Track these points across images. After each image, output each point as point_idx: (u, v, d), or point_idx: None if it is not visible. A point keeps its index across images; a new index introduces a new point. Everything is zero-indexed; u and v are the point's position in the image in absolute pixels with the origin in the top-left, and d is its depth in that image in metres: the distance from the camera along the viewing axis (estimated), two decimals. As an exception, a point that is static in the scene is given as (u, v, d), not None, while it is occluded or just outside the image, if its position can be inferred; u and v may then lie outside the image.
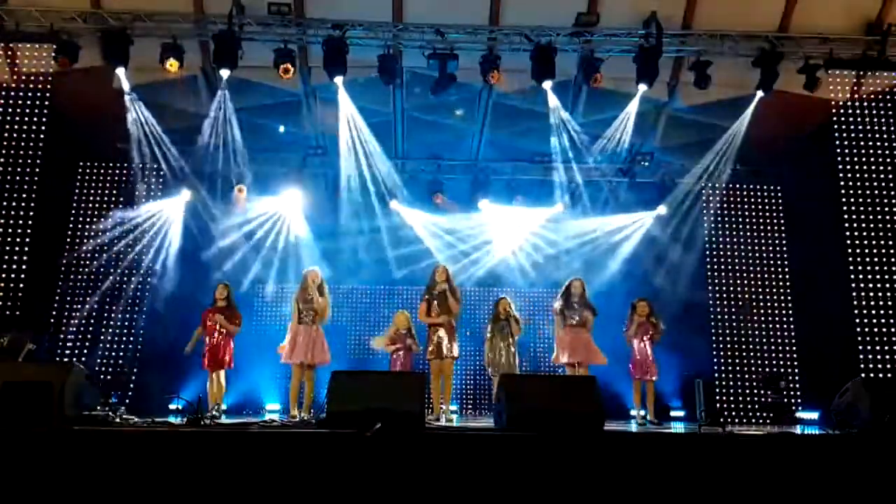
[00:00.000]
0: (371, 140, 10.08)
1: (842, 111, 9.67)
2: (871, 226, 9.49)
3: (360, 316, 11.16)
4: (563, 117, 9.72)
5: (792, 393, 10.42)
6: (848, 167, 9.60)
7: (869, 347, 9.25)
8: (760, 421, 10.20)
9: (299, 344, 7.53)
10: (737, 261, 10.92)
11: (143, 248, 10.45)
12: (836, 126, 9.65)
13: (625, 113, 9.65)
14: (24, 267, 9.03)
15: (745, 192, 11.12)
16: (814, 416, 9.55)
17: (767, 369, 10.30)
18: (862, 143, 9.62)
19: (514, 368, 7.81)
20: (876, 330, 9.30)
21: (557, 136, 9.98)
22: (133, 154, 9.89)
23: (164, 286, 10.27)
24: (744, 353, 10.57)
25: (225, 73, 8.71)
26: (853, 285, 9.39)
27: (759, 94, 9.09)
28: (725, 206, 11.00)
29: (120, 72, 8.79)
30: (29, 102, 9.23)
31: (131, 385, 9.91)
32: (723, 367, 10.54)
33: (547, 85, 8.95)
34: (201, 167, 10.48)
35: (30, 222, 9.10)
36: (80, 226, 10.38)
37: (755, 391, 10.45)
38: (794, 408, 10.01)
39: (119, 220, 10.31)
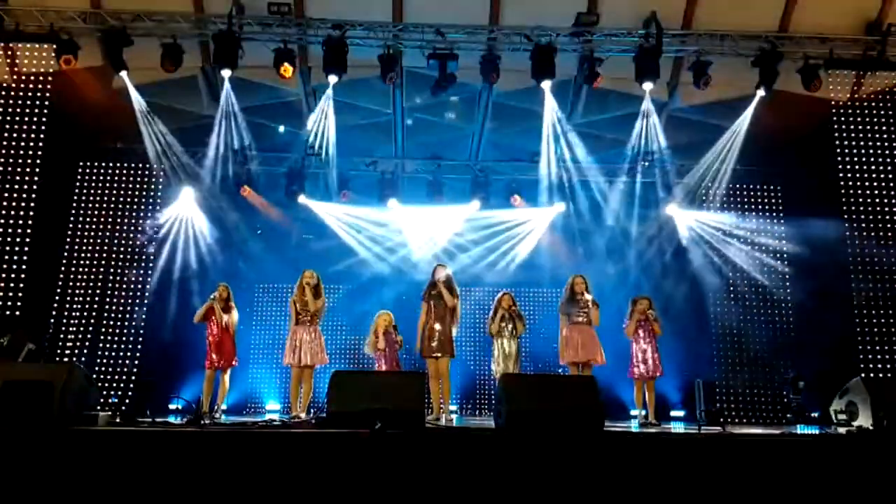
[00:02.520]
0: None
1: (842, 111, 9.68)
2: (871, 225, 9.49)
3: (356, 315, 11.16)
4: (560, 117, 9.72)
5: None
6: (848, 167, 9.60)
7: (869, 347, 9.26)
8: (762, 421, 10.20)
9: (298, 345, 7.55)
10: (737, 260, 10.90)
11: (144, 247, 10.46)
12: (836, 126, 9.65)
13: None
14: (24, 267, 9.03)
15: (745, 192, 11.11)
16: (814, 416, 9.54)
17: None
18: (862, 143, 9.62)
19: (520, 368, 7.81)
20: (876, 330, 9.30)
21: (556, 136, 9.98)
22: (139, 156, 9.97)
23: (165, 285, 10.28)
24: (744, 354, 10.56)
25: (227, 73, 8.72)
26: (853, 285, 9.39)
27: (760, 93, 9.06)
28: (725, 205, 10.99)
29: (123, 74, 8.80)
30: (29, 102, 9.23)
31: (131, 385, 9.91)
32: (723, 367, 10.53)
33: (545, 85, 8.94)
34: (209, 167, 10.50)
35: (30, 222, 9.10)
36: (80, 226, 10.37)
37: (755, 391, 10.45)
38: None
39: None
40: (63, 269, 10.14)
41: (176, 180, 10.45)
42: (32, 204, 9.10)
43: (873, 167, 9.59)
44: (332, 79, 8.81)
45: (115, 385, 9.88)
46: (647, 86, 8.90)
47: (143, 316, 10.21)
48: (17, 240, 9.05)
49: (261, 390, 10.69)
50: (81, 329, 10.02)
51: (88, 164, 10.59)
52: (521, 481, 4.61)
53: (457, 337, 7.85)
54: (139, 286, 10.30)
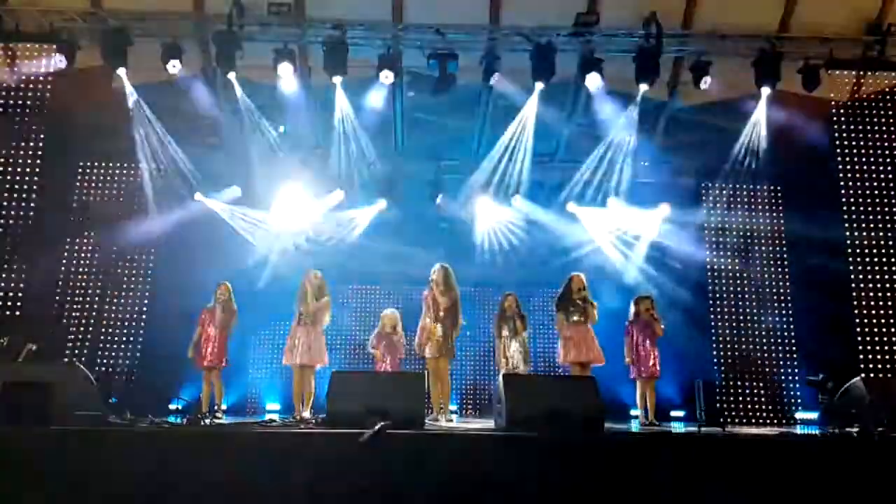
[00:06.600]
0: (364, 138, 10.05)
1: (842, 111, 9.67)
2: (871, 226, 9.49)
3: (357, 315, 11.14)
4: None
5: (792, 393, 10.43)
6: (848, 167, 9.60)
7: (869, 347, 9.25)
8: (762, 421, 10.20)
9: (297, 345, 7.56)
10: (737, 261, 10.90)
11: (144, 247, 10.44)
12: (835, 126, 9.65)
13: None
14: (24, 267, 9.01)
15: (745, 192, 11.09)
16: (813, 416, 9.54)
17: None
18: (862, 143, 9.62)
19: (528, 367, 7.80)
20: (876, 330, 9.30)
21: (557, 135, 9.95)
22: (139, 157, 9.93)
23: (164, 285, 10.26)
24: (744, 354, 10.56)
25: (232, 74, 8.74)
26: (853, 285, 9.39)
27: (767, 91, 9.01)
28: (726, 205, 10.98)
29: (121, 72, 8.79)
30: (29, 102, 9.22)
31: (131, 385, 9.90)
32: (723, 367, 10.53)
33: (538, 86, 8.90)
34: (213, 167, 10.50)
35: (30, 222, 9.08)
36: (79, 226, 10.35)
37: (755, 391, 10.44)
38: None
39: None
40: (63, 268, 10.12)
41: (174, 180, 10.41)
42: (33, 204, 9.10)
43: (873, 167, 9.59)
44: (337, 79, 8.81)
45: (115, 385, 9.85)
46: (643, 86, 8.89)
47: (144, 316, 10.19)
48: (18, 240, 9.04)
49: (261, 390, 10.67)
50: (81, 329, 10.01)
51: (88, 164, 10.58)
52: (521, 482, 4.62)
53: (457, 337, 7.81)
54: (139, 286, 10.29)
